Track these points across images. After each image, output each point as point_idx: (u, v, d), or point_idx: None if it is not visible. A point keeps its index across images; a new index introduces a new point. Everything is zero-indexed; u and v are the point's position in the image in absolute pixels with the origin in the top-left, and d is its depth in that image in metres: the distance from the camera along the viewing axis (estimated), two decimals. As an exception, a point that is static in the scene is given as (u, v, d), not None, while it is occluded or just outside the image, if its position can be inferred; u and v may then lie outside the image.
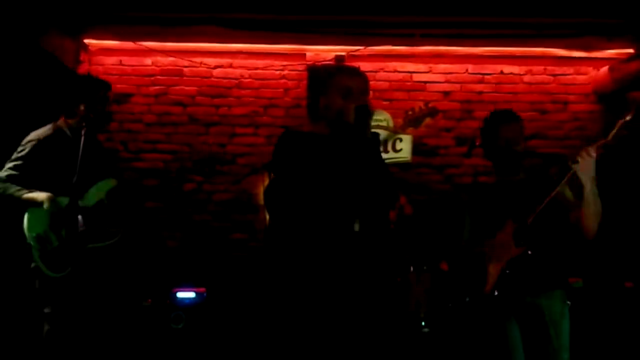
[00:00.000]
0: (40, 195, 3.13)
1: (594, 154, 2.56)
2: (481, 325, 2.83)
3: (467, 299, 4.15)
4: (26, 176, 3.19)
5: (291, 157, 2.33)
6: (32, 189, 3.16)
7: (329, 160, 2.28)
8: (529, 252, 2.66)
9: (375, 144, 2.38)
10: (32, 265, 3.17)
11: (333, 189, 2.26)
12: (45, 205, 3.10)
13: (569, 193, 2.74)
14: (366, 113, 2.26)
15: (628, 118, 2.54)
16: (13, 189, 3.16)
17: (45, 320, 3.15)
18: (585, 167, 2.56)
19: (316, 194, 2.26)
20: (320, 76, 2.54)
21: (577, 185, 2.65)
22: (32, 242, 3.11)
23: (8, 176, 3.20)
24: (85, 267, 3.19)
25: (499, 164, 2.92)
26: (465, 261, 2.89)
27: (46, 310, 3.15)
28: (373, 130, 2.36)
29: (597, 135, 2.60)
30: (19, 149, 3.27)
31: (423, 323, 4.32)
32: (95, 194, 3.29)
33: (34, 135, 3.31)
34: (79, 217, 3.17)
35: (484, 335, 2.82)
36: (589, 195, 2.61)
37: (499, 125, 2.90)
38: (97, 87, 3.42)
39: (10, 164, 3.24)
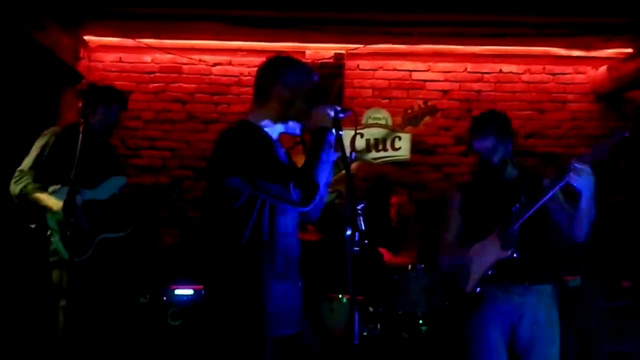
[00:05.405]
0: (50, 203, 3.26)
1: (589, 169, 2.52)
2: (462, 324, 2.85)
3: (447, 303, 4.18)
4: (45, 168, 3.35)
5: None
6: (50, 181, 3.31)
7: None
8: (515, 255, 2.67)
9: None
10: (51, 259, 3.29)
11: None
12: (57, 211, 3.23)
13: (561, 196, 2.74)
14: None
15: (627, 134, 2.52)
16: (31, 186, 3.29)
17: (61, 313, 3.27)
18: (582, 177, 2.53)
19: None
20: None
21: (570, 192, 2.64)
22: (53, 226, 3.24)
23: (30, 168, 3.35)
24: (98, 259, 3.35)
25: (483, 169, 2.93)
26: (453, 262, 2.89)
27: (62, 303, 3.26)
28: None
29: (594, 150, 2.55)
30: (40, 141, 3.41)
31: (421, 322, 4.31)
32: (108, 188, 3.48)
33: (52, 129, 3.49)
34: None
35: (465, 334, 2.84)
36: (585, 203, 2.61)
37: (472, 138, 2.92)
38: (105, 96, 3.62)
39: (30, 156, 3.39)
